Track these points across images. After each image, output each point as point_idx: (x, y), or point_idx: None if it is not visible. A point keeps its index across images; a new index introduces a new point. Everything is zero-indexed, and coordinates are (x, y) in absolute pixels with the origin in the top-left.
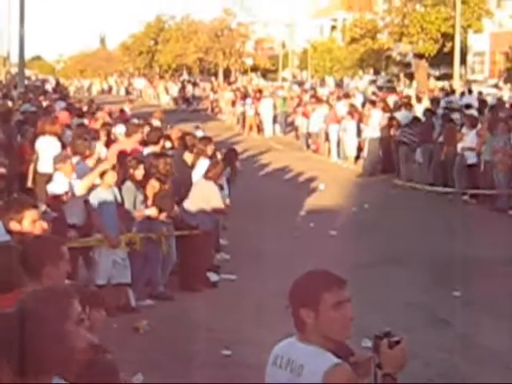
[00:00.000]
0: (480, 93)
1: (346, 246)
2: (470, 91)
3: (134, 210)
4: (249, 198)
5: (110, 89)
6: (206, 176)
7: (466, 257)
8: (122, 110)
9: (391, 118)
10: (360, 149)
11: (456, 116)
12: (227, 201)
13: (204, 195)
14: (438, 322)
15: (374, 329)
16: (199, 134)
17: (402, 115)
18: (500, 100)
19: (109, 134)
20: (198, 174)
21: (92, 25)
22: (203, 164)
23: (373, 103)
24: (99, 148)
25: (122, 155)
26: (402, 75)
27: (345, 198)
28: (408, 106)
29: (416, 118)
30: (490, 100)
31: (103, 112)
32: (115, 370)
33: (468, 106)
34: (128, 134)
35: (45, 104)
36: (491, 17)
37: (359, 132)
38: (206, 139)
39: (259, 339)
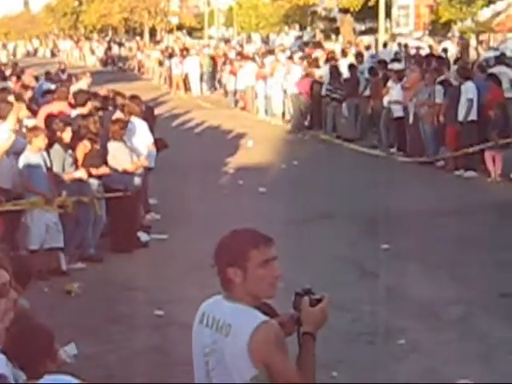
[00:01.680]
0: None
1: (275, 202)
2: (385, 45)
3: (62, 172)
4: (177, 157)
5: (36, 51)
6: (108, 137)
7: (394, 210)
8: (47, 73)
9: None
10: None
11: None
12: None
13: (114, 157)
14: (368, 276)
15: (303, 284)
16: None
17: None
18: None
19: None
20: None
21: None
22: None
23: (291, 58)
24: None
25: (49, 118)
26: (318, 31)
27: (274, 154)
28: (333, 60)
29: (335, 70)
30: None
31: (29, 75)
32: (51, 336)
33: (394, 60)
34: (56, 98)
35: None
36: None
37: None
38: (137, 98)
39: (191, 298)
